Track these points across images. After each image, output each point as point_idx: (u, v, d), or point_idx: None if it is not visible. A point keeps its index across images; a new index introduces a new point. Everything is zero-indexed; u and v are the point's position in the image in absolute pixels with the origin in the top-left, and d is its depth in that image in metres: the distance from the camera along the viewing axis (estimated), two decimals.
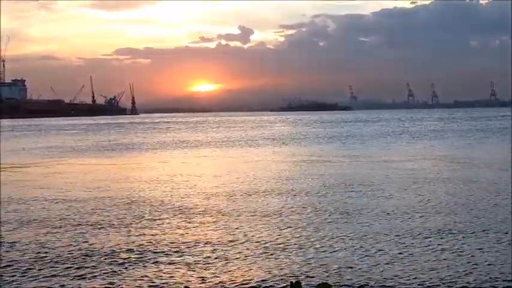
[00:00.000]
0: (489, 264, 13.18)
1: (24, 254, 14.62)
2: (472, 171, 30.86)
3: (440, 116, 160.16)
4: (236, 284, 12.02)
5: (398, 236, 15.99)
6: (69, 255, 14.40)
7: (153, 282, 12.19)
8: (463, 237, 15.82)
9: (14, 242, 15.87)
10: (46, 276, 12.72)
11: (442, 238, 15.67)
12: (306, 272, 12.74)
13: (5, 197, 23.98)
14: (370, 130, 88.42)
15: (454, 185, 25.80)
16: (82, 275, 12.77)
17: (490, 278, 12.25)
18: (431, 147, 51.17)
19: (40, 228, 17.66)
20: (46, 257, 14.29)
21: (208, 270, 13.01)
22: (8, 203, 22.54)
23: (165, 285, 12.06)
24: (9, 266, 13.58)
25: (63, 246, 15.28)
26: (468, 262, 13.39)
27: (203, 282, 12.16)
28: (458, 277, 12.31)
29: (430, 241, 15.33)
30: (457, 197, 22.42)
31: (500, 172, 30.11)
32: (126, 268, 13.24)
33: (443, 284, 11.90)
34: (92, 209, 20.81)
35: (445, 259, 13.62)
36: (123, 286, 11.97)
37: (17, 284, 12.31)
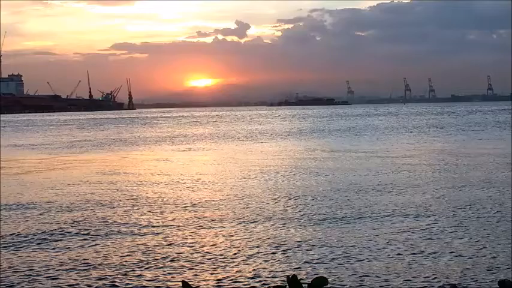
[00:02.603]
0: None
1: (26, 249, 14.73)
2: (473, 165, 30.97)
3: (439, 111, 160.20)
4: (234, 278, 12.11)
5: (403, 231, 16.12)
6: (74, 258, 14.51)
7: (152, 275, 12.30)
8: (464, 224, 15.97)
9: (14, 240, 15.96)
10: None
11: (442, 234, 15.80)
12: (303, 266, 12.85)
13: (5, 192, 24.04)
14: (370, 124, 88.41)
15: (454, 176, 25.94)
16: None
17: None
18: (432, 141, 51.31)
19: (41, 224, 17.74)
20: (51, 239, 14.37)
21: (207, 265, 13.11)
22: (8, 199, 22.58)
23: (165, 278, 12.17)
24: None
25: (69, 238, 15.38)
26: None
27: (200, 277, 12.26)
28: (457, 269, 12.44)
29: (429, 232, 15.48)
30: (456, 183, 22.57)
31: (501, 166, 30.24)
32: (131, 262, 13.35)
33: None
34: (92, 205, 20.90)
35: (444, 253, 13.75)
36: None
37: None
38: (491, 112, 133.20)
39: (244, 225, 16.95)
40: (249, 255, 13.79)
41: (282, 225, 16.85)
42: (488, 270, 12.45)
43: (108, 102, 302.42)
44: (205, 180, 27.07)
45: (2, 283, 12.10)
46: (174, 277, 12.25)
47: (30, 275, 12.63)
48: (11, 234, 16.33)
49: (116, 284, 11.97)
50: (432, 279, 11.93)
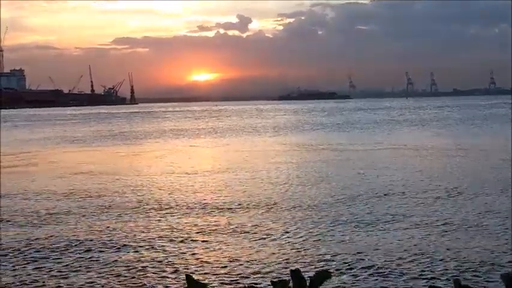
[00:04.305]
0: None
1: (27, 242, 14.83)
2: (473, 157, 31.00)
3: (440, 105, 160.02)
4: (238, 272, 12.19)
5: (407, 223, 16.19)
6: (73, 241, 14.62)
7: (156, 268, 12.39)
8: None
9: (18, 232, 16.05)
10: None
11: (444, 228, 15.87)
12: (305, 259, 12.92)
13: (7, 188, 24.13)
14: (373, 118, 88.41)
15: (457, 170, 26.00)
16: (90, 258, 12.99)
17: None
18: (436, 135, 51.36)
19: (42, 218, 17.83)
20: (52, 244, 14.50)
21: (212, 258, 13.19)
22: (11, 193, 22.67)
23: (166, 273, 12.25)
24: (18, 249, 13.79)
25: (65, 235, 15.48)
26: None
27: (205, 270, 12.34)
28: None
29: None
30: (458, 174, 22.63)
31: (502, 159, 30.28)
32: (129, 253, 13.45)
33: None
34: (94, 198, 20.98)
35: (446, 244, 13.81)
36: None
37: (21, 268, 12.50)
38: (493, 106, 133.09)
39: (255, 218, 17.02)
40: (255, 248, 13.87)
41: (293, 221, 16.93)
42: (491, 264, 12.51)
43: (110, 97, 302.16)
44: (217, 173, 27.17)
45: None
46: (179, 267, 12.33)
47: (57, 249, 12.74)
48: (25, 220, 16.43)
49: (121, 273, 12.07)
50: (435, 274, 11.99)
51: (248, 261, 12.87)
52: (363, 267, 12.36)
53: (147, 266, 12.73)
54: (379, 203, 19.18)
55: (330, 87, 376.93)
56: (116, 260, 13.21)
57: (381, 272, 12.07)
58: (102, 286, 11.67)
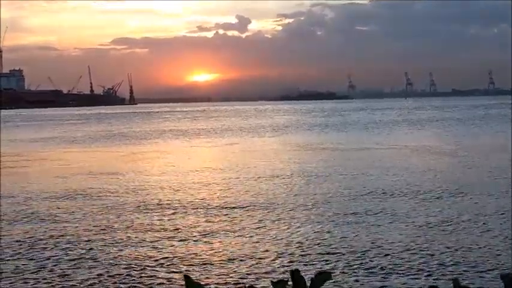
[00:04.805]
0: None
1: (30, 242, 14.87)
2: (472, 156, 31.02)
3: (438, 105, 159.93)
4: (240, 271, 12.21)
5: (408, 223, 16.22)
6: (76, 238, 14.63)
7: (155, 265, 12.41)
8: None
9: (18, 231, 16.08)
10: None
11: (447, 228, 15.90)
12: (308, 259, 12.94)
13: (8, 188, 24.13)
14: (379, 119, 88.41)
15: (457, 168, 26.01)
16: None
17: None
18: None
19: (42, 217, 17.86)
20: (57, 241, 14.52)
21: (214, 257, 13.21)
22: (12, 194, 22.68)
23: (169, 273, 12.27)
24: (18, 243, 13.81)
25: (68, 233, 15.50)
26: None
27: (207, 270, 12.36)
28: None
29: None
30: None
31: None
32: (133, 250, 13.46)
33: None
34: (96, 198, 21.01)
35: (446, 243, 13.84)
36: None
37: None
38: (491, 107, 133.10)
39: (256, 218, 17.04)
40: (257, 248, 13.89)
41: (295, 221, 16.96)
42: (491, 264, 12.53)
43: (109, 97, 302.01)
44: (222, 175, 27.18)
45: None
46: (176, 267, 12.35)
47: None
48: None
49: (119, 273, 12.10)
50: (437, 273, 12.01)
51: (251, 261, 12.88)
52: (366, 267, 12.39)
53: (150, 266, 12.74)
54: (382, 203, 19.20)
55: (330, 88, 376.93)
56: (120, 260, 13.23)
57: (384, 272, 12.09)
58: (107, 286, 11.71)
